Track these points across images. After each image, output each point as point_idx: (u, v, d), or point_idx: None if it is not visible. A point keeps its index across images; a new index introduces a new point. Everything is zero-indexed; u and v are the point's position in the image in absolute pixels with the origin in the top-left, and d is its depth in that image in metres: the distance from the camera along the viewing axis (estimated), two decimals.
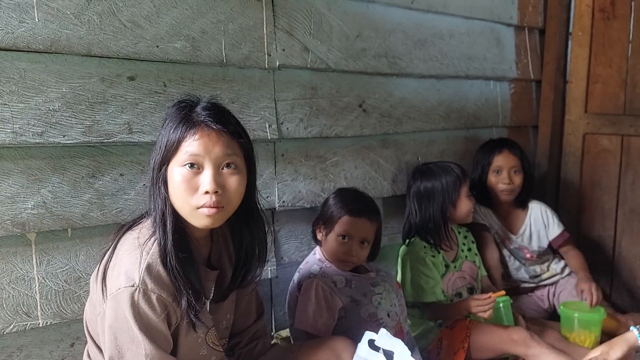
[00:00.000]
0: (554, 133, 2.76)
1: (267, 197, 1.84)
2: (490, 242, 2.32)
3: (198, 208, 1.17)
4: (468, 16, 2.43)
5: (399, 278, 2.12)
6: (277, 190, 1.87)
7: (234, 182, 1.20)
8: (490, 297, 1.90)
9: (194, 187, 1.17)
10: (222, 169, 1.19)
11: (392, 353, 1.17)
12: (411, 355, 1.75)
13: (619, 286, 2.63)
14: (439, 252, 2.13)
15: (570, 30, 2.72)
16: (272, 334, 1.94)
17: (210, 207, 1.16)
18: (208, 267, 1.32)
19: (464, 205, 2.10)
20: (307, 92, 1.93)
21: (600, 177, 2.66)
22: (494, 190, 2.35)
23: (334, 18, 1.96)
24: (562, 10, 2.70)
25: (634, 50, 2.53)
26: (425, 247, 2.10)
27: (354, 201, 1.77)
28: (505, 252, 2.41)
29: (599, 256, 2.65)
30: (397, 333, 1.74)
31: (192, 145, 1.17)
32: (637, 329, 1.51)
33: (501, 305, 2.03)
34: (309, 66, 1.90)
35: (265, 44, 1.79)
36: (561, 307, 2.17)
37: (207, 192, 1.16)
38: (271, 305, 1.95)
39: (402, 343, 1.19)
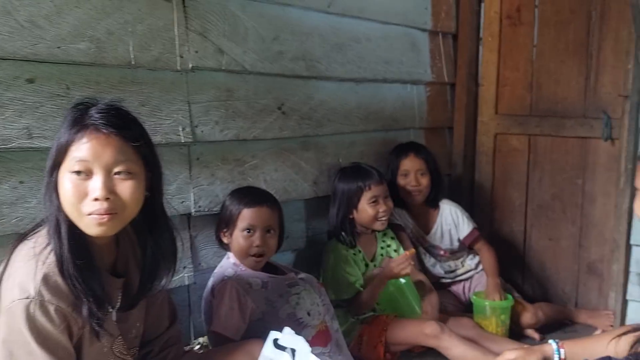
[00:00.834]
0: (468, 134, 2.88)
1: (183, 202, 1.81)
2: (406, 241, 2.39)
3: (88, 215, 1.13)
4: (384, 21, 2.49)
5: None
6: (192, 195, 1.83)
7: (128, 188, 1.16)
8: (405, 254, 2.09)
9: (83, 194, 1.12)
10: (115, 174, 1.15)
11: (295, 351, 1.18)
12: (339, 354, 1.79)
13: (530, 277, 2.78)
14: (359, 251, 2.19)
15: (481, 35, 2.84)
16: (192, 341, 1.91)
17: (101, 214, 1.12)
18: (114, 275, 1.27)
19: (365, 211, 2.16)
20: (222, 95, 1.91)
21: (511, 175, 2.81)
22: (404, 192, 2.43)
23: (249, 20, 1.96)
24: (473, 16, 2.82)
25: (538, 55, 2.68)
26: (346, 245, 2.16)
27: (249, 194, 1.79)
28: (422, 250, 2.51)
29: (511, 250, 2.79)
30: (322, 332, 1.76)
31: (80, 150, 1.12)
32: (555, 342, 1.54)
33: (403, 282, 2.15)
34: (224, 68, 1.88)
35: (177, 45, 1.75)
36: (473, 297, 2.31)
37: (96, 199, 1.12)
38: (189, 312, 1.91)
39: (304, 340, 1.20)
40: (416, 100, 2.72)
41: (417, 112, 2.73)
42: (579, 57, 2.56)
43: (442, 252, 2.51)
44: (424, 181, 2.43)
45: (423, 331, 1.99)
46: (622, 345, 1.43)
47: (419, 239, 2.50)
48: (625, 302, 2.34)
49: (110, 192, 1.13)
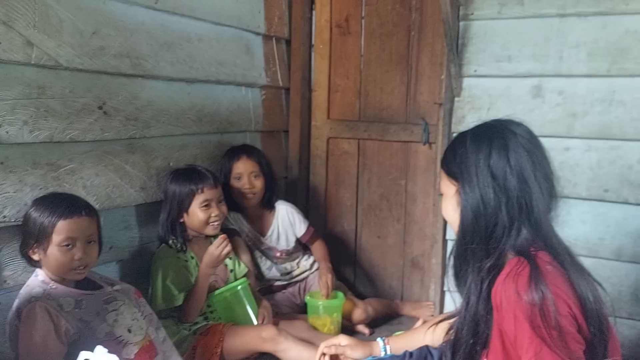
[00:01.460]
0: (303, 137, 2.95)
1: None
2: (241, 246, 2.38)
3: None
4: (216, 22, 2.44)
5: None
6: None
7: None
8: (220, 237, 2.06)
9: None
10: None
11: None
12: None
13: (361, 274, 2.92)
14: (192, 257, 2.12)
15: (313, 42, 2.92)
16: None
17: None
18: None
19: (196, 215, 2.11)
20: (32, 92, 1.71)
21: (343, 177, 2.93)
22: (238, 195, 2.42)
23: (64, 12, 1.78)
24: (305, 23, 2.89)
25: (365, 64, 2.83)
26: (176, 251, 2.09)
27: (61, 203, 1.60)
28: (257, 254, 2.51)
29: (343, 249, 2.92)
30: (147, 347, 1.65)
31: None
32: (382, 340, 1.64)
33: (239, 288, 2.14)
34: (33, 62, 1.69)
35: None
36: (307, 297, 2.37)
37: None
38: None
39: (117, 358, 1.11)
40: (251, 103, 2.72)
41: (253, 115, 2.73)
42: (401, 68, 2.75)
43: (278, 254, 2.53)
44: (258, 183, 2.43)
45: (260, 335, 1.98)
46: (439, 333, 1.58)
47: (255, 242, 2.50)
48: (443, 293, 2.57)
49: None
